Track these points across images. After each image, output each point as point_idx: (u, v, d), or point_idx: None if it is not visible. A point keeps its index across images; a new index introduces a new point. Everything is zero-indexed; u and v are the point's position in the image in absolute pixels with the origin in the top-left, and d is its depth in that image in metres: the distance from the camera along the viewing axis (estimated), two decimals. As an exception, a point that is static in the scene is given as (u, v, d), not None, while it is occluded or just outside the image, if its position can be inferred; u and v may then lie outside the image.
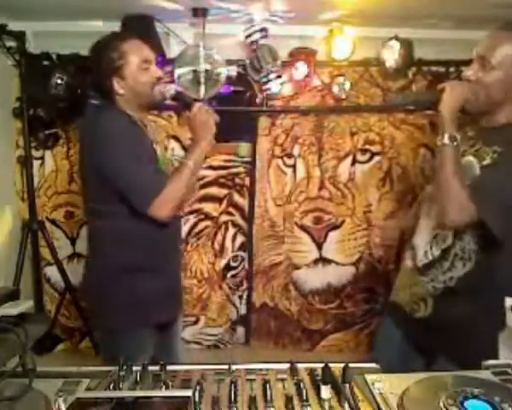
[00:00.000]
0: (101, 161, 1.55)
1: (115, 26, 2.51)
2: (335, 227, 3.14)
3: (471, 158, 1.42)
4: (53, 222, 3.12)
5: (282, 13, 2.59)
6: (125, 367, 1.12)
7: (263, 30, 2.66)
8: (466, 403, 0.93)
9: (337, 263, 3.17)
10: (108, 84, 1.58)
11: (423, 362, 1.59)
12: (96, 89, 1.64)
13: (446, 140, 1.35)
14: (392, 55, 2.81)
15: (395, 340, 1.67)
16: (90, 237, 1.74)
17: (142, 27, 2.59)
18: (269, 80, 2.77)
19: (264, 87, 2.81)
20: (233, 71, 2.78)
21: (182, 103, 1.68)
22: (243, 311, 3.27)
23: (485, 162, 1.38)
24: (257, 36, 2.67)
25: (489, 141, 1.40)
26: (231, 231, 3.19)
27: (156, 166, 1.61)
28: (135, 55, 1.58)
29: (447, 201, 1.35)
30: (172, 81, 2.59)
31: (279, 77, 2.79)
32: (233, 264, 3.22)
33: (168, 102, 1.72)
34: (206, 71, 2.60)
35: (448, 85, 1.41)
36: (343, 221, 3.13)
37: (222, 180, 3.11)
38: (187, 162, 1.57)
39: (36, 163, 3.04)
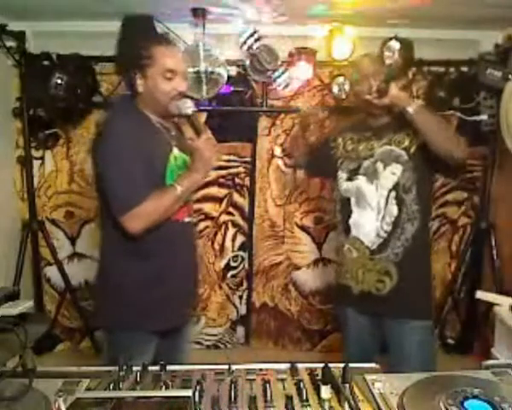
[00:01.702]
0: (97, 156, 1.56)
1: (115, 26, 2.50)
2: (335, 227, 3.13)
3: (389, 147, 1.80)
4: (53, 222, 3.12)
5: (283, 14, 2.60)
6: (125, 367, 1.12)
7: (255, 33, 2.66)
8: (466, 403, 0.94)
9: (337, 263, 3.17)
10: (131, 78, 1.58)
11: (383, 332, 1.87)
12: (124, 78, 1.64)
13: (419, 104, 1.74)
14: (392, 55, 2.81)
15: (366, 329, 1.91)
16: (100, 238, 1.73)
17: (142, 27, 2.59)
18: (276, 77, 2.79)
19: (274, 85, 2.83)
20: (233, 71, 2.78)
21: (193, 128, 1.60)
22: (243, 311, 3.27)
23: (404, 145, 1.79)
24: (251, 41, 2.67)
25: (393, 131, 1.82)
26: (231, 231, 3.19)
27: (155, 176, 1.55)
28: (163, 61, 1.55)
29: (450, 144, 1.70)
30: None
31: (284, 72, 2.81)
32: (233, 264, 3.22)
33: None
34: (206, 71, 2.60)
35: None
36: (343, 221, 3.13)
37: (222, 180, 3.11)
38: (176, 187, 1.53)
39: (36, 163, 3.04)
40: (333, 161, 1.96)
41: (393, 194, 1.76)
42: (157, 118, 1.64)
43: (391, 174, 1.77)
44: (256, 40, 2.68)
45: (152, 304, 1.60)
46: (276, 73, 2.79)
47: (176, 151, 1.65)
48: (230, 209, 3.16)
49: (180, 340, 1.79)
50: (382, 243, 1.78)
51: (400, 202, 1.76)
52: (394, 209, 1.76)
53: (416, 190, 1.76)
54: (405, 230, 1.76)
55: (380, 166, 1.80)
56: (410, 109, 1.70)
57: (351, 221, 1.86)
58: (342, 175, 1.90)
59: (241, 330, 3.30)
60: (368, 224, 1.80)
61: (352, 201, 1.85)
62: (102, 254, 1.72)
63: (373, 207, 1.79)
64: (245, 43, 2.68)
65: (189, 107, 1.59)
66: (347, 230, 1.87)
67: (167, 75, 1.56)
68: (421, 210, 1.78)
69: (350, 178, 1.87)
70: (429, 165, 1.79)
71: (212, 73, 2.61)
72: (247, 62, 2.74)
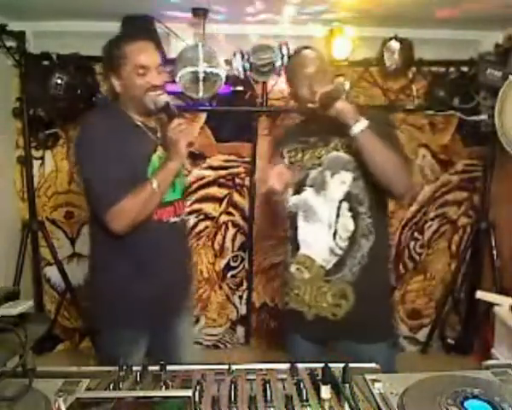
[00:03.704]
0: (76, 157, 1.58)
1: (115, 26, 2.51)
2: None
3: (336, 152, 1.61)
4: (53, 222, 3.12)
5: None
6: (124, 367, 1.12)
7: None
8: (466, 403, 0.94)
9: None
10: (109, 81, 1.61)
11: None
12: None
13: (363, 126, 1.49)
14: (392, 55, 2.81)
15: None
16: (89, 237, 1.74)
17: (142, 27, 2.59)
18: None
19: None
20: (233, 71, 2.78)
21: (167, 115, 1.60)
22: (243, 311, 3.27)
23: (353, 149, 1.57)
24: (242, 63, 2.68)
25: (341, 133, 1.57)
26: (231, 231, 3.19)
27: (136, 175, 1.53)
28: (133, 58, 1.56)
29: (391, 178, 1.52)
30: (173, 81, 2.56)
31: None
32: (233, 264, 3.22)
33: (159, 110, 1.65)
34: (206, 71, 2.60)
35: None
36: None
37: (222, 180, 3.11)
38: (151, 181, 1.52)
39: (36, 163, 3.04)
40: None
41: (346, 205, 1.58)
42: (139, 117, 1.63)
43: (340, 183, 1.59)
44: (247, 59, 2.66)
45: (137, 302, 1.60)
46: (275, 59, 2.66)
47: (160, 151, 1.64)
48: (230, 209, 3.16)
49: (171, 338, 1.77)
50: (339, 262, 1.59)
51: (356, 215, 1.58)
52: (350, 223, 1.58)
53: (368, 202, 1.59)
54: (361, 246, 1.58)
55: (327, 174, 1.61)
56: (355, 129, 1.50)
57: (299, 238, 1.67)
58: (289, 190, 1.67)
59: (241, 330, 3.30)
60: (319, 240, 1.61)
61: (300, 215, 1.66)
62: (90, 254, 1.73)
63: (323, 221, 1.60)
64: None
65: (162, 97, 1.59)
66: (296, 248, 1.68)
67: (140, 71, 1.56)
68: (376, 224, 1.60)
69: (297, 191, 1.66)
70: None
71: (211, 73, 2.61)
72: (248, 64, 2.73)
